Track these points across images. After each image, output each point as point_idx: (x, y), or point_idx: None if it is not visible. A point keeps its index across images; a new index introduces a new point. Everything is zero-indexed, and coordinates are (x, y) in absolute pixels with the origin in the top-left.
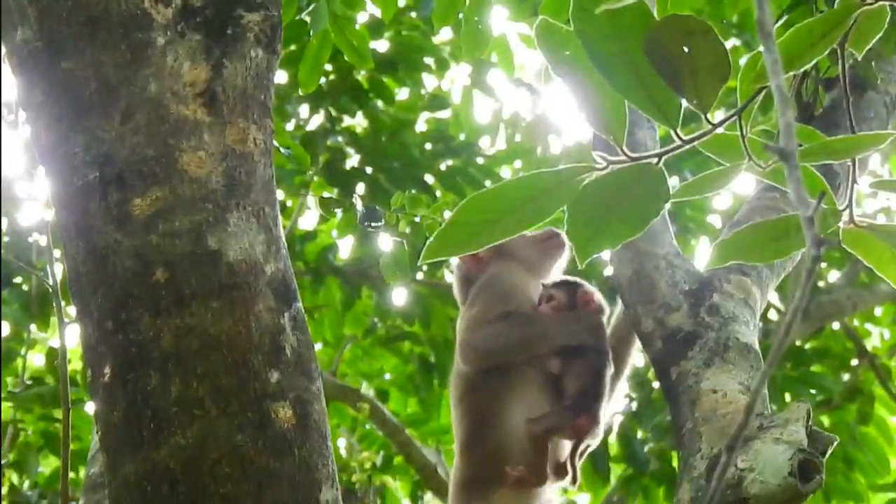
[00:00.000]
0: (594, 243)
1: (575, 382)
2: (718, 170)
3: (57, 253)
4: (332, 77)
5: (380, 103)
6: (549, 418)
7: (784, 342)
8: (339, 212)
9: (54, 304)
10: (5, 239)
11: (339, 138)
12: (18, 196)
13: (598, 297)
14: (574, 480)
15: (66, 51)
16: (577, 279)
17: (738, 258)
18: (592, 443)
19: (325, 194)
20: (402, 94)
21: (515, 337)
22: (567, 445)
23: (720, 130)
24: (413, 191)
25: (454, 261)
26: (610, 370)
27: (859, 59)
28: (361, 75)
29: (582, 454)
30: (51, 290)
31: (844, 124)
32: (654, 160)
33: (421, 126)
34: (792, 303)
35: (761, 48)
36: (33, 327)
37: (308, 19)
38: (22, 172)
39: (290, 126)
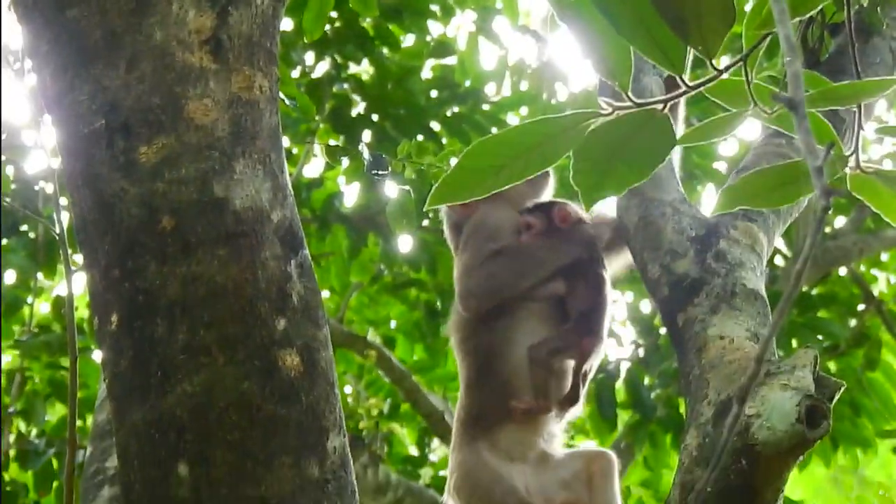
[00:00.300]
0: (599, 189)
1: (577, 302)
2: (724, 116)
3: (63, 201)
4: (337, 24)
5: (385, 50)
6: (553, 341)
7: (794, 291)
8: (345, 159)
9: (61, 252)
10: (12, 187)
11: (345, 85)
12: (25, 144)
13: (574, 208)
14: (577, 401)
15: None
16: (550, 199)
17: (744, 204)
18: (596, 361)
19: (332, 142)
20: (408, 40)
21: (509, 274)
22: (570, 372)
23: (725, 76)
24: (419, 138)
25: (443, 209)
26: (608, 280)
27: (865, 4)
28: (367, 22)
29: (585, 376)
30: (57, 238)
31: (850, 70)
32: (660, 106)
33: (426, 73)
34: (802, 252)
35: None
36: (40, 275)
37: None
38: (28, 120)
39: (295, 73)
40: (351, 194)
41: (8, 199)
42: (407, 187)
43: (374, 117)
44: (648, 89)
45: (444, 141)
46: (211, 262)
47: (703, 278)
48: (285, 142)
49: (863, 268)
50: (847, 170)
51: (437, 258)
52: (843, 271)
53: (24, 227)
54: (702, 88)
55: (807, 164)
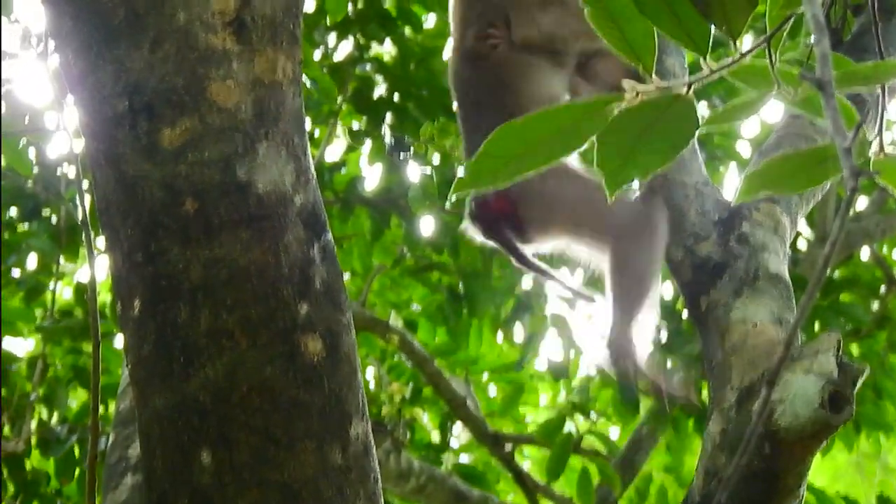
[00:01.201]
0: (623, 174)
1: None
2: (746, 98)
3: (86, 184)
4: (359, 5)
5: (408, 31)
6: None
7: (822, 276)
8: (367, 141)
9: (83, 236)
10: (34, 170)
11: (368, 66)
12: (47, 127)
13: None
14: None
15: None
16: None
17: (767, 189)
18: None
19: (354, 124)
20: (430, 21)
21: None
22: None
23: (748, 59)
24: (442, 119)
25: None
26: None
27: None
28: (389, 3)
29: None
30: (80, 221)
31: (873, 50)
32: (684, 89)
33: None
34: (826, 234)
35: None
36: (62, 259)
37: None
38: (51, 102)
39: (317, 54)
40: (373, 176)
41: (30, 183)
42: (429, 169)
43: (397, 98)
44: (671, 71)
45: None
46: (234, 246)
47: (725, 261)
48: (307, 123)
49: (885, 250)
50: (870, 153)
51: (459, 241)
52: (865, 253)
53: (46, 211)
54: (725, 71)
55: (830, 147)
